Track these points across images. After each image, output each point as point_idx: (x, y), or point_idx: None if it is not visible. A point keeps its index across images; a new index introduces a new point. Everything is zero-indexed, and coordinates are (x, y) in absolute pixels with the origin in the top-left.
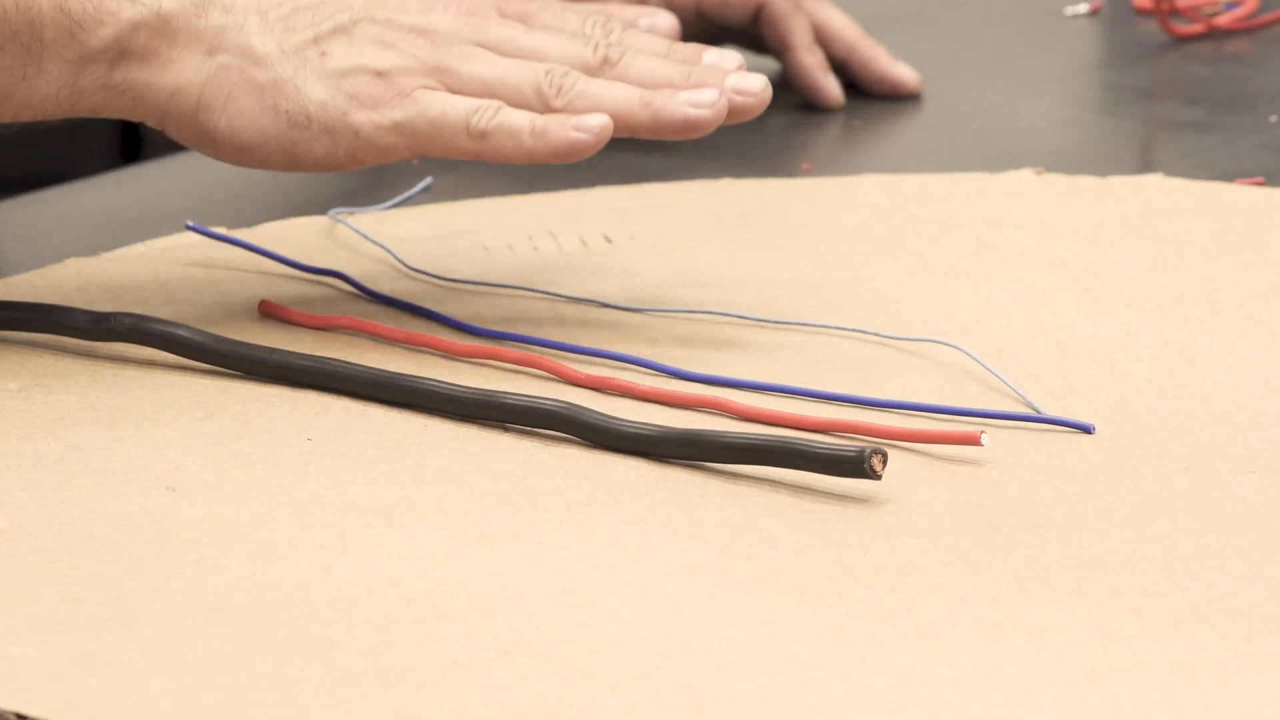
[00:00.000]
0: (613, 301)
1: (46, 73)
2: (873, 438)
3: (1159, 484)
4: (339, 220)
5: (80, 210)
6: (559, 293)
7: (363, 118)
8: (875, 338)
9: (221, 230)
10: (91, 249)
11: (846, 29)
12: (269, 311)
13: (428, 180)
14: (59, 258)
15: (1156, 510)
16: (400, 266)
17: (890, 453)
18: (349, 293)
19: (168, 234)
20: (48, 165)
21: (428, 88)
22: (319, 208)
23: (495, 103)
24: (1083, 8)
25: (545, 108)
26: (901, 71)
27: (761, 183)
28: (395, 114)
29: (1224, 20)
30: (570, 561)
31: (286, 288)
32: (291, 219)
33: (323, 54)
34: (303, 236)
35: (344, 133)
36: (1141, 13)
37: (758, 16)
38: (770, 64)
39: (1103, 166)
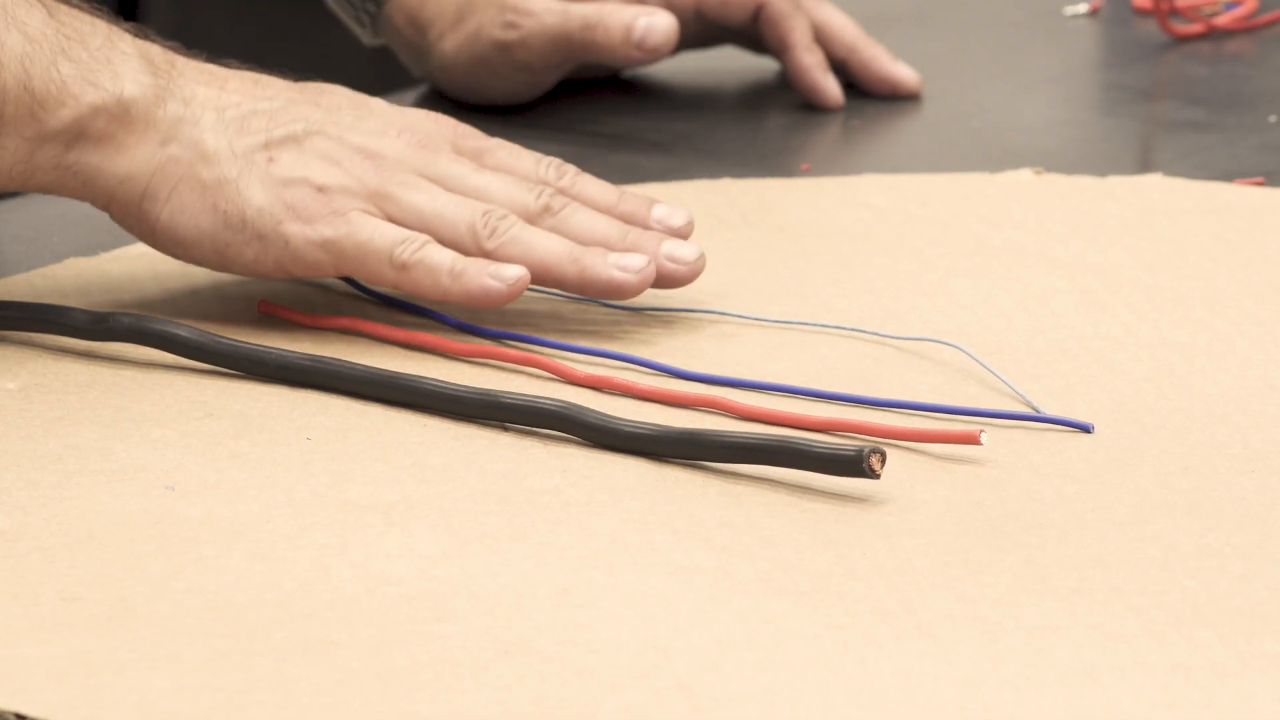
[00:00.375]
0: (612, 301)
1: (3, 147)
2: (872, 437)
3: (1158, 483)
4: None
5: (80, 210)
6: (558, 292)
7: (295, 229)
8: (875, 337)
9: None
10: (91, 249)
11: (846, 29)
12: (268, 311)
13: None
14: (59, 258)
15: (1156, 510)
16: None
17: (890, 452)
18: (348, 293)
19: None
20: None
21: (365, 211)
22: None
23: (422, 237)
24: (1082, 8)
25: (478, 247)
26: (901, 71)
27: (761, 183)
28: (326, 231)
29: (1223, 20)
30: (570, 561)
31: (286, 288)
32: None
33: (270, 159)
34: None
35: (275, 241)
36: (1141, 13)
37: (757, 16)
38: (770, 64)
39: (1102, 166)
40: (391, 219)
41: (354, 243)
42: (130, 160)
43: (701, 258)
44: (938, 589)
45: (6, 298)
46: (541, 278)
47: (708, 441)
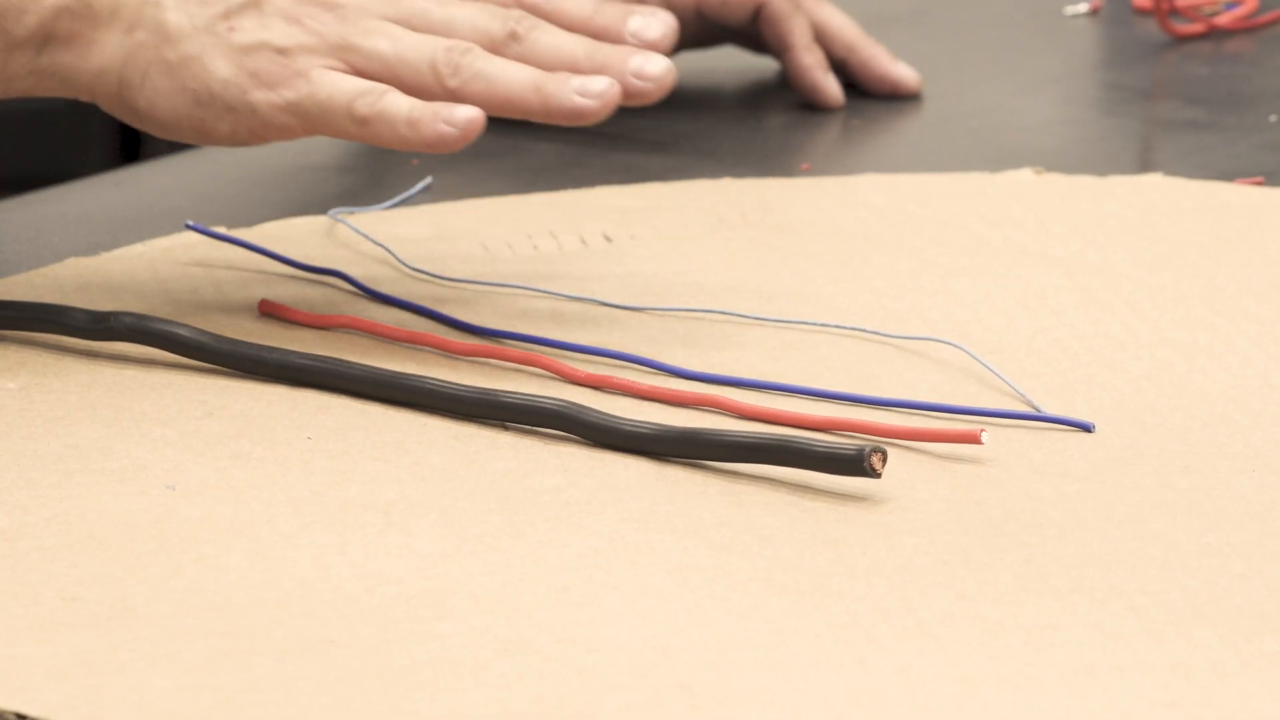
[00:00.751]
0: (613, 300)
1: None
2: (873, 436)
3: (1158, 482)
4: (339, 220)
5: (80, 210)
6: (559, 292)
7: (260, 97)
8: (875, 336)
9: (221, 230)
10: (91, 249)
11: (846, 29)
12: (269, 311)
13: (428, 180)
14: (59, 258)
15: (1156, 509)
16: (400, 266)
17: (890, 451)
18: (349, 292)
19: (168, 233)
20: (48, 165)
21: (329, 67)
22: (319, 207)
23: (381, 87)
24: (1082, 7)
25: (441, 87)
26: (901, 71)
27: (761, 182)
28: (289, 94)
29: (1224, 20)
30: (569, 560)
31: (286, 287)
32: (291, 219)
33: (231, 29)
34: (302, 236)
35: (244, 111)
36: (1141, 12)
37: (757, 16)
38: (770, 63)
39: (1102, 166)
40: (357, 70)
41: (315, 102)
42: (100, 54)
43: (670, 71)
44: (938, 588)
45: (6, 298)
46: (506, 110)
47: (708, 441)
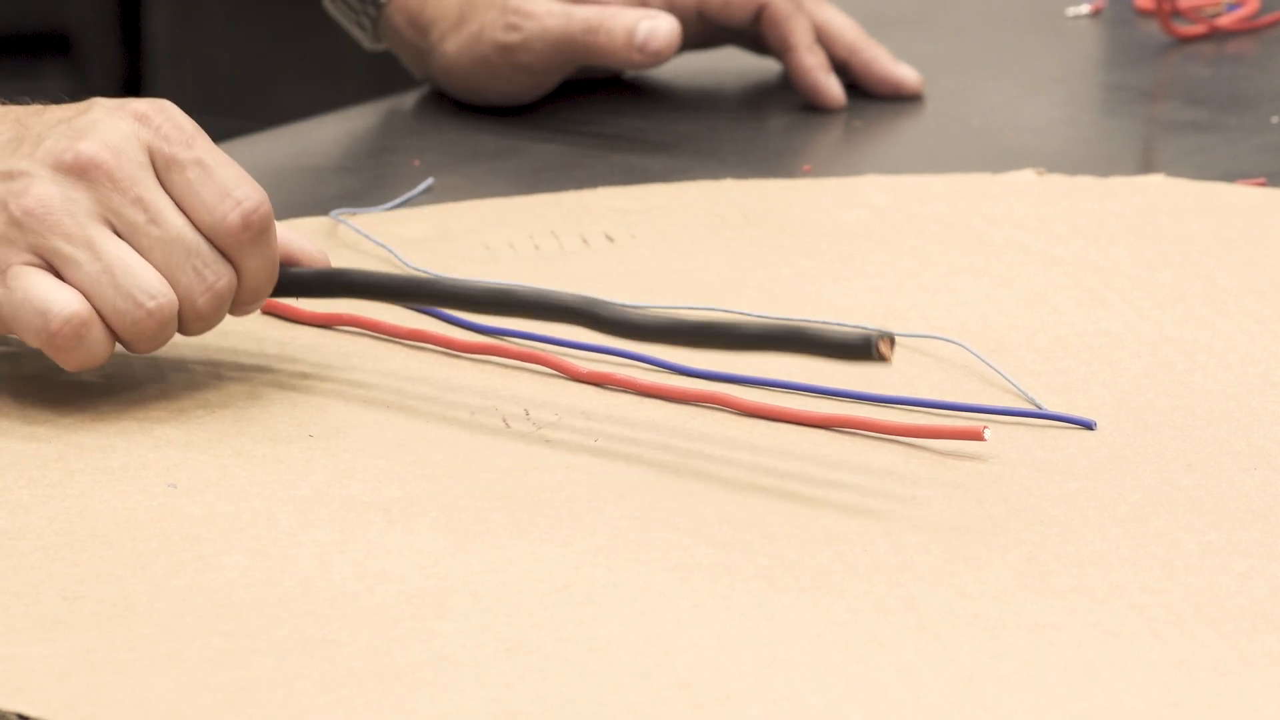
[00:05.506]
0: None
1: None
2: (874, 433)
3: (1160, 481)
4: (341, 221)
5: None
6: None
7: None
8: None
9: None
10: None
11: (848, 30)
12: (272, 309)
13: (429, 181)
14: None
15: (1158, 507)
16: (402, 266)
17: (891, 449)
18: None
19: None
20: None
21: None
22: (321, 208)
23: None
24: (1084, 8)
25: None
26: (903, 72)
27: (763, 183)
28: None
29: (1225, 21)
30: (571, 558)
31: None
32: (294, 219)
33: None
34: (305, 236)
35: None
36: (1143, 13)
37: (759, 17)
38: (772, 64)
39: (1104, 167)
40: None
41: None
42: None
43: None
44: (939, 586)
45: None
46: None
47: (720, 332)
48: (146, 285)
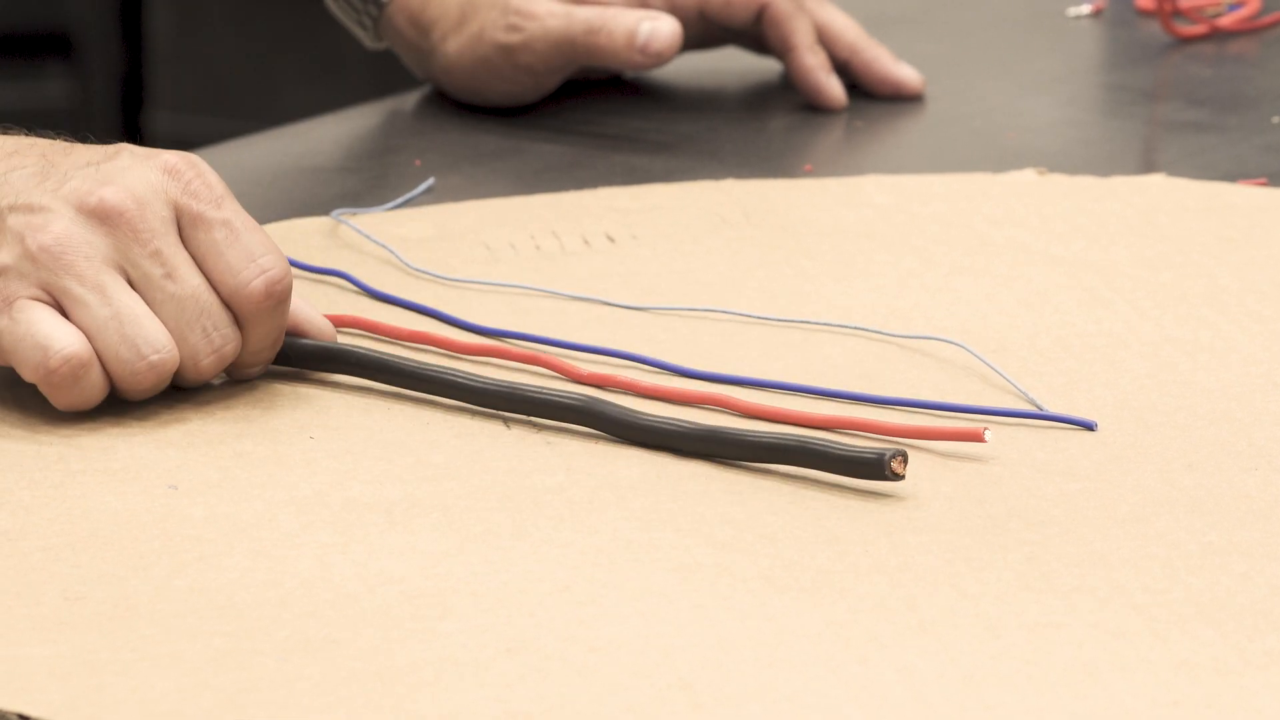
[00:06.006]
0: (616, 300)
1: None
2: (876, 434)
3: (1161, 481)
4: (342, 221)
5: None
6: (562, 291)
7: None
8: (878, 335)
9: None
10: None
11: (849, 30)
12: None
13: (430, 181)
14: None
15: (1159, 507)
16: (403, 266)
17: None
18: (352, 292)
19: None
20: None
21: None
22: (322, 209)
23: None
24: (1085, 8)
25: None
26: (904, 72)
27: (764, 183)
28: None
29: (1226, 21)
30: (572, 559)
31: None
32: (294, 219)
33: None
34: (306, 237)
35: None
36: (1144, 14)
37: (760, 18)
38: (773, 65)
39: (1105, 167)
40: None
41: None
42: None
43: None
44: (940, 586)
45: None
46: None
47: (728, 439)
48: (151, 338)
